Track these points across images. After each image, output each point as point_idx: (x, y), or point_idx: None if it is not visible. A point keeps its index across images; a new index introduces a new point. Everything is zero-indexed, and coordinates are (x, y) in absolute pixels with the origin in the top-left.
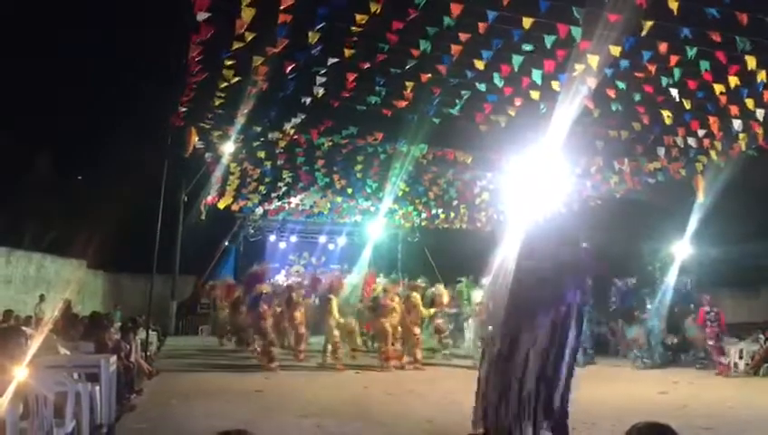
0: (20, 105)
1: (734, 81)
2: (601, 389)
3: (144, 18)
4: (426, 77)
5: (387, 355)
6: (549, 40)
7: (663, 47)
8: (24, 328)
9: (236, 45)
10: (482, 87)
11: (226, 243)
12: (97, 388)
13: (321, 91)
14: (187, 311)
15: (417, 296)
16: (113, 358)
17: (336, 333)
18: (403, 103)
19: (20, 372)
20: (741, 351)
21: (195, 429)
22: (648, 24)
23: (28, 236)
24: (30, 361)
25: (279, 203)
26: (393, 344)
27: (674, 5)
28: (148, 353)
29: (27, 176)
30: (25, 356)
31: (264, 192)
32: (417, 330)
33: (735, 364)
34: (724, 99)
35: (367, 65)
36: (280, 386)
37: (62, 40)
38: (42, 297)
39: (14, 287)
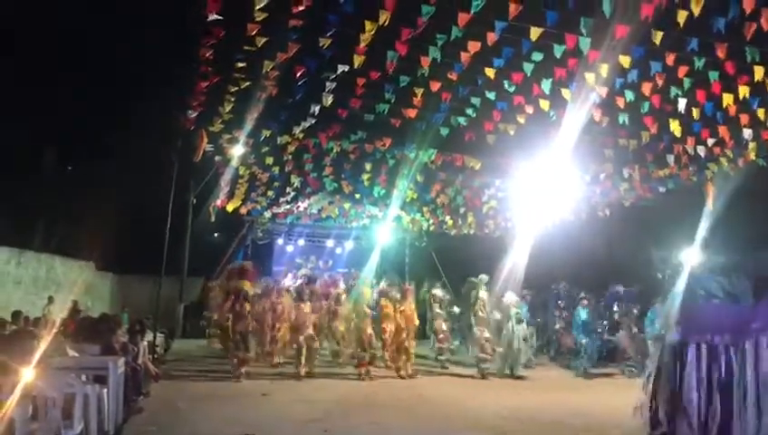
0: (28, 105)
1: (743, 91)
2: (617, 396)
3: (154, 20)
4: (435, 86)
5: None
6: (558, 50)
7: (671, 58)
8: (33, 330)
9: (247, 48)
10: (491, 95)
11: (234, 246)
12: (105, 390)
13: (330, 99)
14: (195, 313)
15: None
16: (121, 360)
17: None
18: (412, 113)
19: (29, 374)
20: None
21: (202, 432)
22: (659, 34)
23: (37, 238)
24: (39, 362)
25: (287, 207)
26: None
27: (681, 17)
28: (156, 356)
29: (36, 177)
30: (35, 358)
31: (273, 196)
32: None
33: None
34: (733, 109)
35: (376, 73)
36: (287, 390)
37: (70, 42)
38: (50, 299)
39: (24, 288)
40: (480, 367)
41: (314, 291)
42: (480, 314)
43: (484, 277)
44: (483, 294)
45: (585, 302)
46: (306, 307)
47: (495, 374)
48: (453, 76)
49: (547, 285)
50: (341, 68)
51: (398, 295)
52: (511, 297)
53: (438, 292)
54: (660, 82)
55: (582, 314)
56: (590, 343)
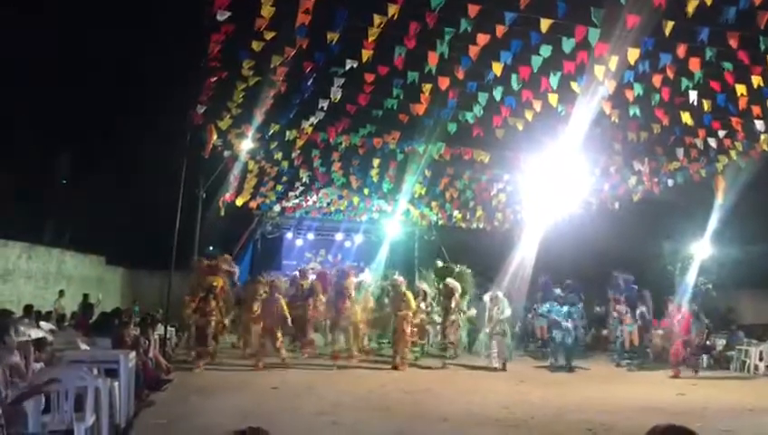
0: (40, 103)
1: (756, 81)
2: (618, 390)
3: (165, 16)
4: (443, 80)
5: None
6: (567, 44)
7: (682, 49)
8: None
9: (255, 44)
10: (498, 91)
11: (243, 240)
12: (116, 383)
13: (339, 95)
14: None
15: (408, 293)
16: (132, 354)
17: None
18: (420, 108)
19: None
20: (761, 353)
21: (212, 425)
22: (670, 24)
23: (48, 233)
24: (52, 356)
25: (296, 201)
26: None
27: (691, 7)
28: (166, 349)
29: (47, 173)
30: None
31: (282, 191)
32: (407, 329)
33: (756, 366)
34: (745, 100)
35: (384, 69)
36: (296, 383)
37: (82, 38)
38: (61, 293)
39: (35, 283)
40: (445, 358)
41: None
42: (456, 308)
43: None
44: (458, 286)
45: (559, 298)
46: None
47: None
48: (460, 73)
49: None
50: (350, 63)
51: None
52: (494, 292)
53: (424, 286)
54: (671, 74)
55: (551, 307)
56: (560, 337)
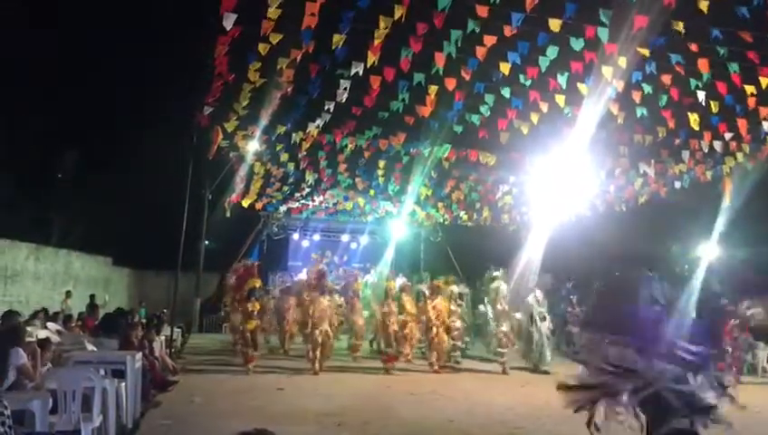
0: (47, 103)
1: (765, 82)
2: None
3: (172, 18)
4: (450, 81)
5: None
6: (577, 44)
7: (692, 48)
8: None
9: (262, 47)
10: (506, 91)
11: (249, 242)
12: (123, 384)
13: (344, 97)
14: (211, 308)
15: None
16: (139, 355)
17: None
18: (426, 111)
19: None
20: None
21: (217, 426)
22: (680, 24)
23: (56, 233)
24: (59, 356)
25: (302, 202)
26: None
27: (703, 5)
28: (173, 350)
29: (54, 174)
30: None
31: (288, 192)
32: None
33: (764, 369)
34: (753, 101)
35: (391, 71)
36: (302, 385)
37: (88, 39)
38: (68, 293)
39: (42, 284)
40: (500, 361)
41: (327, 286)
42: (498, 307)
43: (501, 271)
44: (502, 286)
45: None
46: (324, 302)
47: (518, 368)
48: (467, 74)
49: (562, 279)
50: (356, 67)
51: (428, 291)
52: (538, 295)
53: (456, 288)
54: (680, 71)
55: None
56: None
